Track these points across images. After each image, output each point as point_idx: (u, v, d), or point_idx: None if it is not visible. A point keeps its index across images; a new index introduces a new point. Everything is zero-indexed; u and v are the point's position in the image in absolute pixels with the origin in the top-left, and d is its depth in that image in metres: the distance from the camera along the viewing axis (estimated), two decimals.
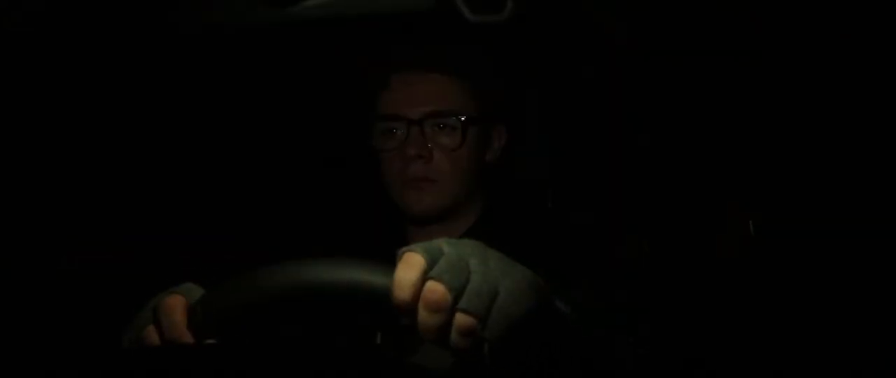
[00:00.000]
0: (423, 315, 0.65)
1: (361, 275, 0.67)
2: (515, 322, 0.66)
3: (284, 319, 0.71)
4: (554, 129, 1.54)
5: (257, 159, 1.57)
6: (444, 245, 0.68)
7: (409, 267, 0.65)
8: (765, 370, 1.26)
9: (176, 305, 0.71)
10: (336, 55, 1.35)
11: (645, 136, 1.48)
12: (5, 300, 1.21)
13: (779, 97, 1.35)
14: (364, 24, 0.98)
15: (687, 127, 1.46)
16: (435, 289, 0.65)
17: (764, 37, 1.29)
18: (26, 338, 1.19)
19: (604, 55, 1.41)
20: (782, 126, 1.34)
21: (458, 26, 0.88)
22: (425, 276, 0.65)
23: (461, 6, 0.88)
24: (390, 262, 0.67)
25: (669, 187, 1.46)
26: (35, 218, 1.28)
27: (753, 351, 1.28)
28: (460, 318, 0.65)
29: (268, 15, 0.80)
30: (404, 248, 0.67)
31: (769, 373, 1.27)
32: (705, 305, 1.34)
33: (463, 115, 1.20)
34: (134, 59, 1.21)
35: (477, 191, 1.27)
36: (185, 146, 1.48)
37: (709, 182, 1.44)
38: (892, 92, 1.24)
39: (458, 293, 0.65)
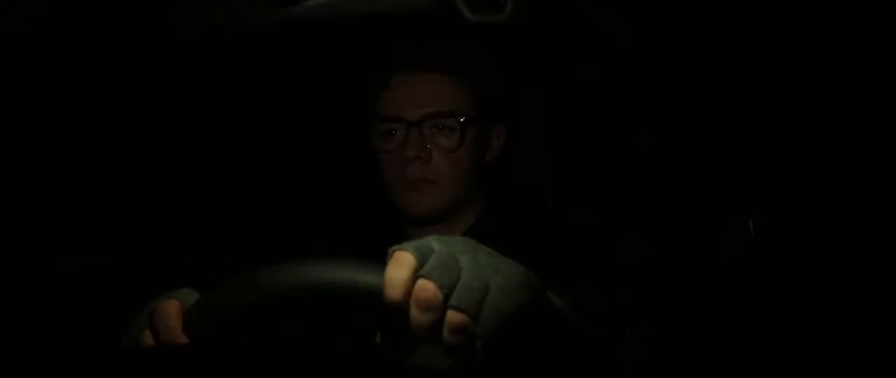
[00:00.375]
0: (414, 313, 0.65)
1: (354, 275, 0.67)
2: (507, 318, 0.65)
3: (279, 321, 0.71)
4: (554, 129, 1.54)
5: (258, 160, 1.57)
6: (435, 243, 0.68)
7: (399, 266, 0.65)
8: (765, 370, 1.26)
9: (171, 310, 0.72)
10: (337, 55, 1.35)
11: (645, 137, 1.48)
12: (5, 300, 1.21)
13: (779, 97, 1.35)
14: (364, 24, 0.98)
15: (687, 127, 1.46)
16: (425, 287, 0.64)
17: (764, 37, 1.29)
18: (26, 338, 1.19)
19: (604, 55, 1.41)
20: (782, 126, 1.34)
21: (459, 26, 0.88)
22: (416, 275, 0.65)
23: (461, 6, 0.88)
24: (384, 262, 0.68)
25: (669, 188, 1.46)
26: (35, 218, 1.28)
27: (753, 351, 1.28)
28: (451, 316, 0.65)
29: (268, 15, 0.80)
30: (394, 247, 0.67)
31: (769, 373, 1.27)
32: (705, 305, 1.34)
33: (462, 116, 1.20)
34: (134, 59, 1.21)
35: (477, 191, 1.26)
36: (186, 146, 1.48)
37: (709, 182, 1.44)
38: (892, 92, 1.24)
39: (448, 290, 0.65)
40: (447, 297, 0.65)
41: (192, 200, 1.48)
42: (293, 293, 0.68)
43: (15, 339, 1.18)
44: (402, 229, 1.26)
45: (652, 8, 1.28)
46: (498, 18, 0.90)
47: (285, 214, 1.52)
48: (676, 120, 1.47)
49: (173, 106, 1.44)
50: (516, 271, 0.69)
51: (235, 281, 0.70)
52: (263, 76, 1.48)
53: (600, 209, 1.47)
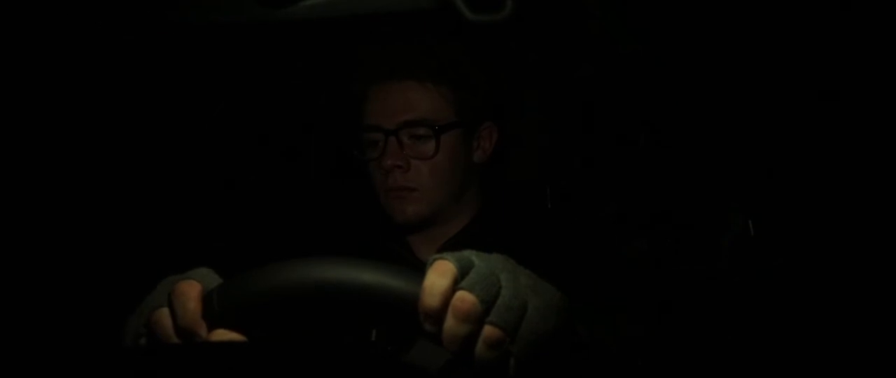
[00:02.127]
0: (451, 324, 0.65)
1: (389, 278, 0.67)
2: (541, 339, 0.66)
3: (300, 316, 0.71)
4: (554, 128, 1.54)
5: (257, 159, 1.57)
6: (475, 257, 0.68)
7: (441, 275, 0.65)
8: (765, 371, 1.26)
9: (191, 292, 0.70)
10: (337, 57, 1.35)
11: (645, 136, 1.48)
12: (5, 300, 1.21)
13: (779, 97, 1.34)
14: (363, 23, 0.98)
15: (688, 127, 1.46)
16: (466, 298, 0.65)
17: (764, 36, 1.29)
18: (26, 338, 1.19)
19: (604, 55, 1.41)
20: (783, 126, 1.34)
21: (458, 26, 0.88)
22: (456, 286, 0.65)
23: (460, 6, 0.87)
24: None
25: (669, 188, 1.46)
26: (34, 218, 1.28)
27: (753, 352, 1.27)
28: (489, 331, 0.65)
29: (264, 14, 0.80)
30: (435, 256, 0.67)
31: (769, 373, 1.26)
32: (705, 306, 1.34)
33: (436, 124, 1.20)
34: (130, 56, 1.21)
35: (468, 192, 1.27)
36: (185, 145, 1.48)
37: (709, 182, 1.44)
38: (892, 92, 1.23)
39: (488, 306, 0.65)
40: (486, 311, 0.65)
41: (192, 200, 1.48)
42: (324, 291, 0.67)
43: (14, 338, 1.18)
44: (396, 233, 1.27)
45: (653, 8, 1.28)
46: (497, 18, 0.89)
47: (285, 214, 1.52)
48: (677, 120, 1.47)
49: (166, 103, 1.43)
50: (553, 294, 0.69)
51: (263, 270, 0.69)
52: (267, 75, 1.48)
53: (601, 209, 1.47)
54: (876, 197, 1.25)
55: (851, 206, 1.27)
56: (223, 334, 0.70)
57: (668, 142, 1.44)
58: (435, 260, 0.67)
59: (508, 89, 1.39)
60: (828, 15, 1.25)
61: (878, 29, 1.22)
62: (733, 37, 1.31)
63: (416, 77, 1.21)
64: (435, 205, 1.23)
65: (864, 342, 1.22)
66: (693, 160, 1.43)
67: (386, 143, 1.20)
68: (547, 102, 1.51)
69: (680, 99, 1.42)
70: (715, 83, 1.38)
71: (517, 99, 1.45)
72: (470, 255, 0.68)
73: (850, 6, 1.21)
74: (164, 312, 0.72)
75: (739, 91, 1.37)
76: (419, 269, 0.67)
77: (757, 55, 1.31)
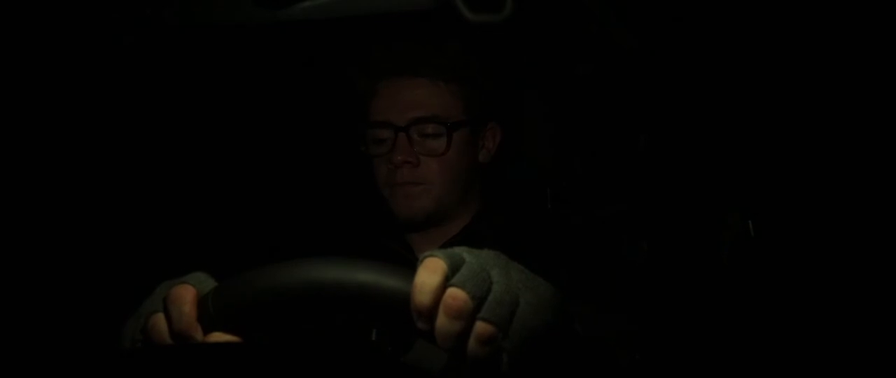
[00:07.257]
0: (442, 321, 0.64)
1: (383, 277, 0.66)
2: (535, 335, 0.65)
3: (294, 317, 0.70)
4: (554, 128, 1.53)
5: (257, 158, 1.57)
6: (466, 254, 0.68)
7: (431, 272, 0.64)
8: (765, 372, 1.26)
9: (186, 296, 0.70)
10: (337, 56, 1.35)
11: (645, 137, 1.47)
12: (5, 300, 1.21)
13: (779, 97, 1.34)
14: (363, 24, 0.98)
15: (688, 127, 1.46)
16: (457, 295, 0.64)
17: (764, 37, 1.29)
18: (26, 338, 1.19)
19: (605, 55, 1.41)
20: (783, 127, 1.34)
21: (458, 26, 0.88)
22: (446, 283, 0.64)
23: (460, 6, 0.87)
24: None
25: (670, 188, 1.46)
26: (33, 218, 1.28)
27: (753, 352, 1.27)
28: (481, 327, 0.64)
29: (263, 14, 0.80)
30: (426, 254, 0.66)
31: (769, 374, 1.26)
32: (705, 307, 1.33)
33: (448, 121, 1.21)
34: (128, 57, 1.21)
35: (471, 192, 1.27)
36: (175, 145, 1.47)
37: (709, 183, 1.44)
38: (891, 92, 1.23)
39: (479, 302, 0.64)
40: (477, 308, 0.64)
41: (193, 200, 1.48)
42: (317, 291, 0.66)
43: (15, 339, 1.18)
44: (397, 232, 1.27)
45: (655, 9, 1.28)
46: (497, 18, 0.89)
47: (284, 214, 1.52)
48: (678, 120, 1.47)
49: (164, 104, 1.43)
50: (546, 290, 0.68)
51: (256, 272, 0.69)
52: (267, 74, 1.48)
53: (599, 209, 1.47)
54: (874, 196, 1.25)
55: (851, 205, 1.27)
56: (219, 337, 0.69)
57: (668, 142, 1.44)
58: (425, 257, 0.66)
59: (510, 89, 1.39)
60: (827, 14, 1.25)
61: (876, 29, 1.22)
62: (733, 37, 1.31)
63: (426, 74, 1.22)
64: (440, 202, 1.23)
65: (863, 342, 1.22)
66: (693, 161, 1.43)
67: (396, 139, 1.20)
68: (547, 103, 1.51)
69: (680, 99, 1.42)
70: (715, 83, 1.38)
71: (518, 99, 1.45)
72: (461, 251, 0.68)
73: (849, 6, 1.21)
74: (160, 317, 0.71)
75: (739, 92, 1.37)
76: (415, 268, 0.66)
77: (756, 55, 1.31)
